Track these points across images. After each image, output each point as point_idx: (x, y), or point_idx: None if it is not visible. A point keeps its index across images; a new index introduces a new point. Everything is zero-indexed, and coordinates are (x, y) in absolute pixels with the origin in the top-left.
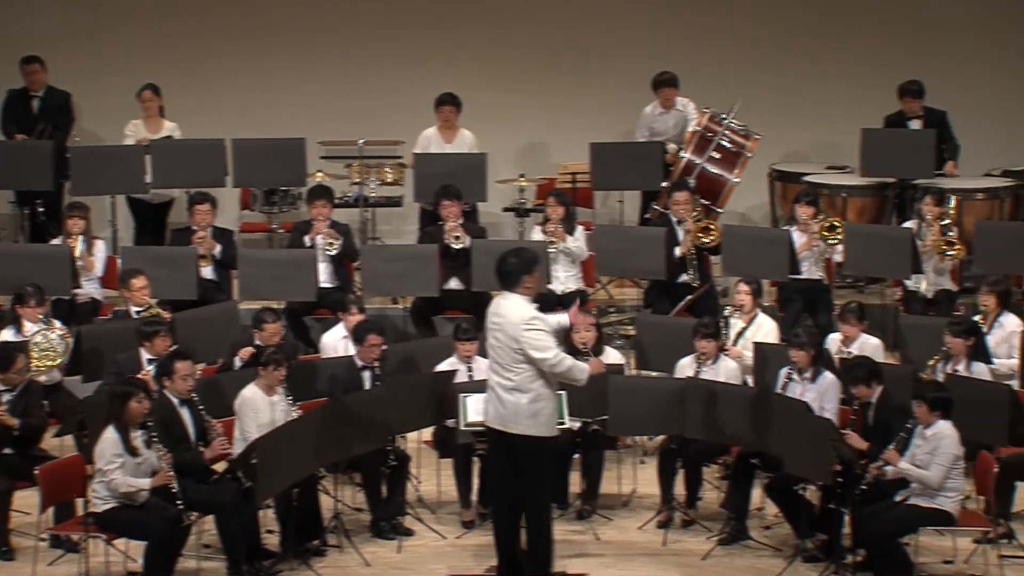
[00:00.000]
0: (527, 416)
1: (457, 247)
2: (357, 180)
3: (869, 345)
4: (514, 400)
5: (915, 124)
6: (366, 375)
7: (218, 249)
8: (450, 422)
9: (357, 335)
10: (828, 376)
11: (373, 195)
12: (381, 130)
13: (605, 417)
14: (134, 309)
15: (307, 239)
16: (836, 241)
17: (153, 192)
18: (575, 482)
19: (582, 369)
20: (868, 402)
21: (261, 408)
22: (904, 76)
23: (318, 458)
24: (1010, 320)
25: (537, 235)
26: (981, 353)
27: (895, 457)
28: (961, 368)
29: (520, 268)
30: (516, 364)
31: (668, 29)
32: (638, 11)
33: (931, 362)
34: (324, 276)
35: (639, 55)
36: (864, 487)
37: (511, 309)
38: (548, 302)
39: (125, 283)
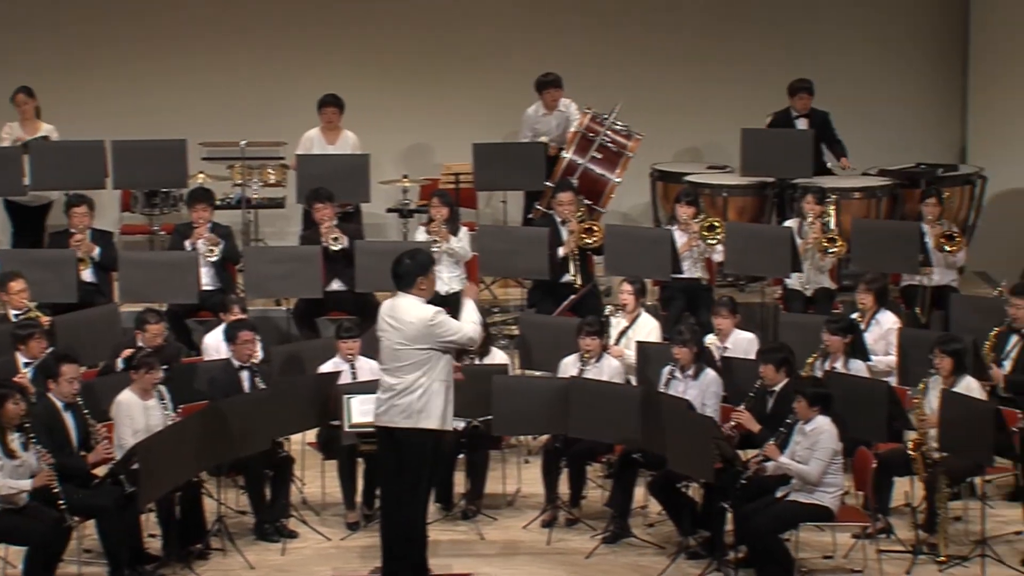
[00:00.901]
0: (416, 412)
1: (336, 248)
2: (239, 181)
3: (743, 340)
4: (406, 400)
5: (801, 123)
6: (244, 375)
7: (97, 252)
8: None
9: (228, 335)
10: (710, 373)
11: (255, 196)
12: (263, 131)
13: (489, 417)
14: (13, 313)
15: (188, 244)
16: (716, 241)
17: (31, 194)
18: (459, 482)
19: (473, 320)
20: (772, 389)
21: (136, 413)
22: (784, 76)
23: (200, 462)
24: (887, 318)
25: (421, 236)
26: (859, 350)
27: (775, 452)
28: (839, 365)
29: (415, 270)
30: (406, 363)
31: (550, 30)
32: (520, 12)
33: (810, 359)
34: (206, 278)
35: (521, 56)
36: (744, 482)
37: (409, 311)
38: (432, 303)
39: (3, 286)
